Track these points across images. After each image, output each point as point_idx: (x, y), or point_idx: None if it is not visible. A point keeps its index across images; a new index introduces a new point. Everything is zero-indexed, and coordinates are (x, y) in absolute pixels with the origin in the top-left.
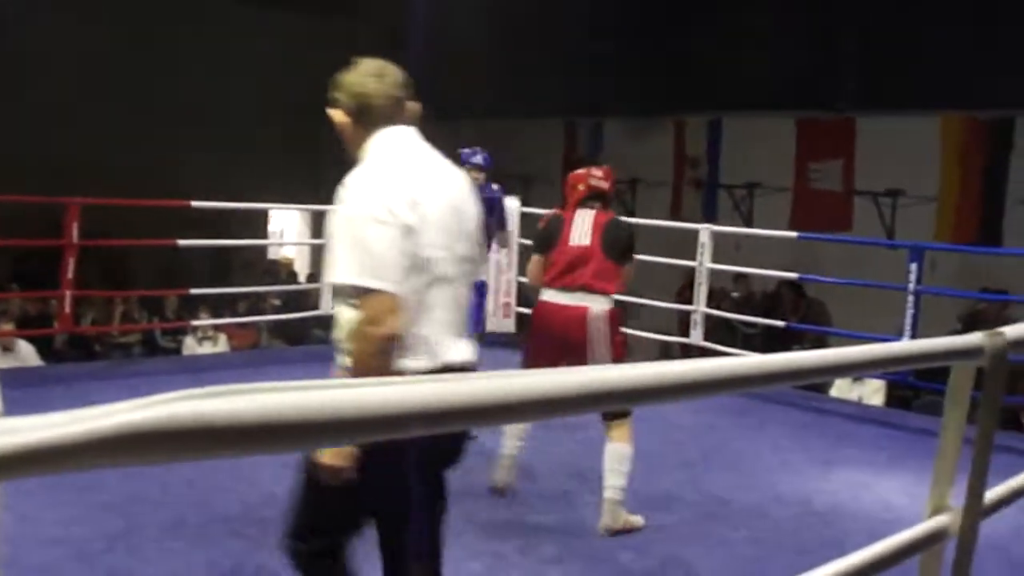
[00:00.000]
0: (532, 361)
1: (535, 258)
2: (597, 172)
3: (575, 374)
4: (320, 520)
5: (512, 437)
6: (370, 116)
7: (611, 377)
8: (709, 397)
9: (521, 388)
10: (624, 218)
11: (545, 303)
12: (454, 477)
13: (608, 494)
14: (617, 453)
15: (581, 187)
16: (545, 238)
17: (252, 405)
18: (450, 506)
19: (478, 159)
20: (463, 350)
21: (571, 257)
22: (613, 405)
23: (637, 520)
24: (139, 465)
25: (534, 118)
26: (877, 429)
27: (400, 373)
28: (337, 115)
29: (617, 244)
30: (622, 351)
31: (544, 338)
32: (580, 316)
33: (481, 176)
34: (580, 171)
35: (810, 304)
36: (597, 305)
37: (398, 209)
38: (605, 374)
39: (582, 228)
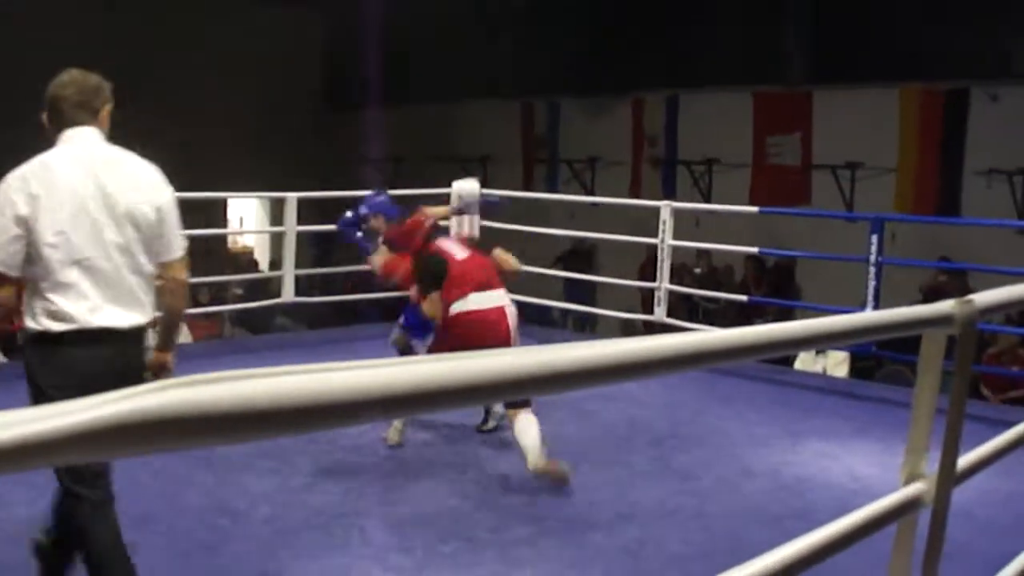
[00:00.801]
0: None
1: (432, 297)
2: (425, 211)
3: (546, 353)
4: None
5: None
6: (58, 118)
7: (581, 356)
8: (679, 373)
9: (482, 370)
10: None
11: (468, 312)
12: (420, 462)
13: (532, 466)
14: (521, 429)
15: (428, 224)
16: (433, 274)
17: (236, 392)
18: (420, 492)
19: (364, 210)
20: (111, 316)
21: (467, 268)
22: (583, 384)
23: (560, 467)
24: (128, 456)
25: (491, 99)
26: (842, 400)
27: (44, 333)
28: (43, 116)
29: (477, 244)
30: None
31: (468, 345)
32: (502, 314)
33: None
34: (407, 221)
35: (778, 272)
36: (507, 300)
37: (16, 202)
38: (573, 353)
39: (454, 248)
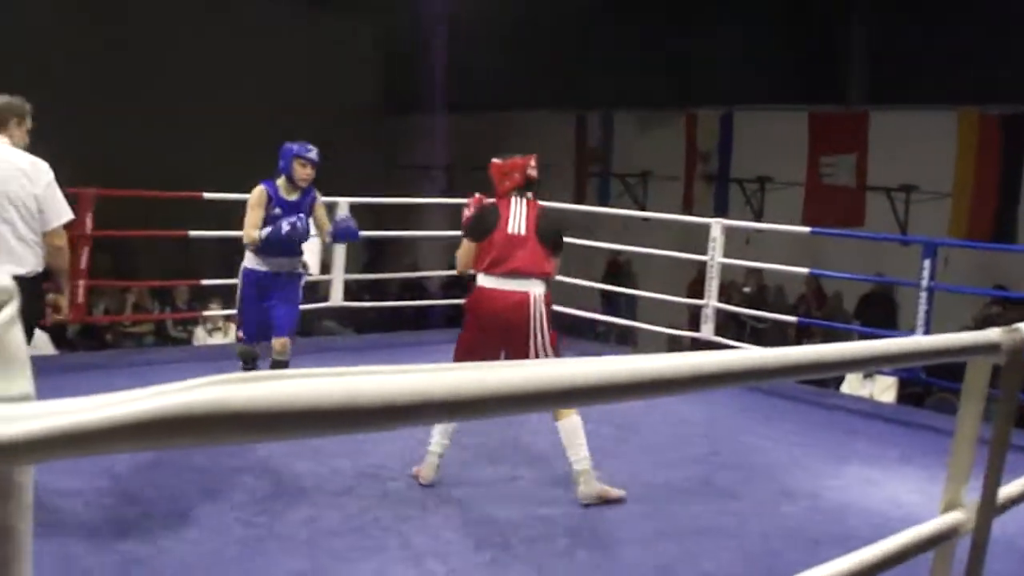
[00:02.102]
0: (468, 348)
1: (466, 244)
2: (533, 162)
3: (598, 364)
4: None
5: (441, 435)
6: None
7: (632, 368)
8: (725, 388)
9: (532, 378)
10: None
11: (484, 289)
12: (461, 470)
13: (576, 466)
14: (569, 427)
15: (518, 175)
16: (480, 225)
17: (275, 392)
18: (459, 500)
19: (312, 155)
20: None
21: (509, 244)
22: (631, 396)
23: (615, 492)
24: (165, 449)
25: (545, 110)
26: (888, 426)
27: None
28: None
29: (549, 234)
30: (555, 336)
31: (484, 324)
32: (523, 300)
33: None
34: (516, 159)
35: (879, 299)
36: (537, 289)
37: None
38: (624, 365)
39: (518, 217)
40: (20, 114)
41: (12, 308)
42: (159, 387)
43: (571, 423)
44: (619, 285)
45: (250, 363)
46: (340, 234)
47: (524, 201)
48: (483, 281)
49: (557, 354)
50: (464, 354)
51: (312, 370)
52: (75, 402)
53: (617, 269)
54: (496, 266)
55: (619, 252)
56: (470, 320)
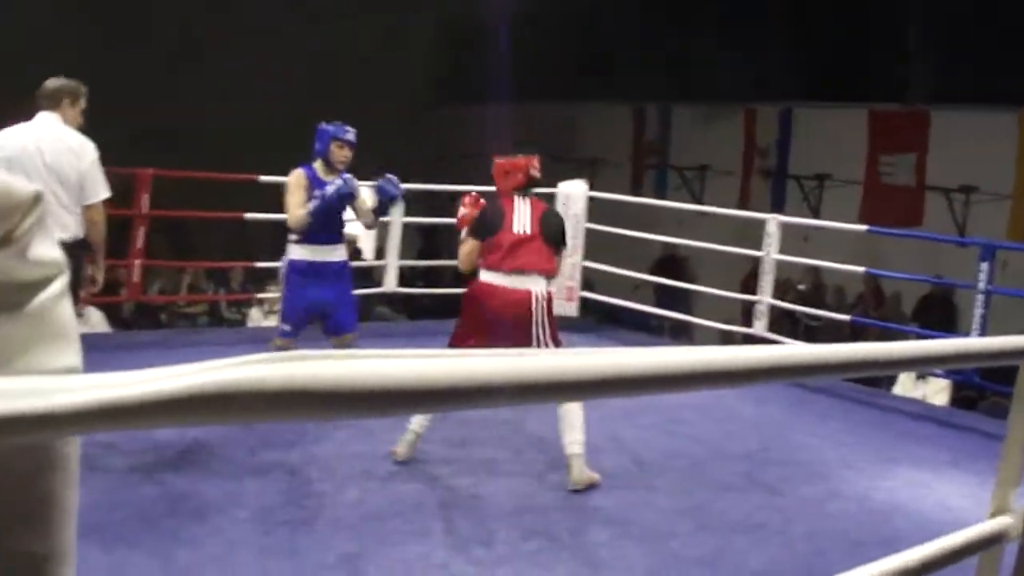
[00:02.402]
0: (463, 342)
1: (471, 243)
2: (536, 162)
3: (652, 355)
4: None
5: (422, 416)
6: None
7: (683, 360)
8: (774, 382)
9: (603, 366)
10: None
11: (488, 285)
12: (509, 459)
13: (569, 450)
14: (570, 411)
15: (520, 175)
16: (485, 224)
17: (323, 371)
18: (506, 488)
19: (350, 136)
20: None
21: (515, 242)
22: (688, 387)
23: (596, 476)
24: (207, 425)
25: (603, 102)
26: (940, 429)
27: None
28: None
29: (553, 232)
30: (556, 331)
31: (485, 319)
32: (525, 297)
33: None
34: (518, 159)
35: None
36: (540, 287)
37: None
38: (681, 357)
39: (523, 216)
40: (74, 95)
41: (62, 282)
42: (203, 363)
43: (573, 406)
44: (676, 279)
45: None
46: (382, 190)
47: (527, 200)
48: (487, 277)
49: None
50: (459, 344)
51: (357, 351)
52: (120, 376)
53: (675, 263)
54: (501, 263)
55: (676, 245)
56: (468, 314)
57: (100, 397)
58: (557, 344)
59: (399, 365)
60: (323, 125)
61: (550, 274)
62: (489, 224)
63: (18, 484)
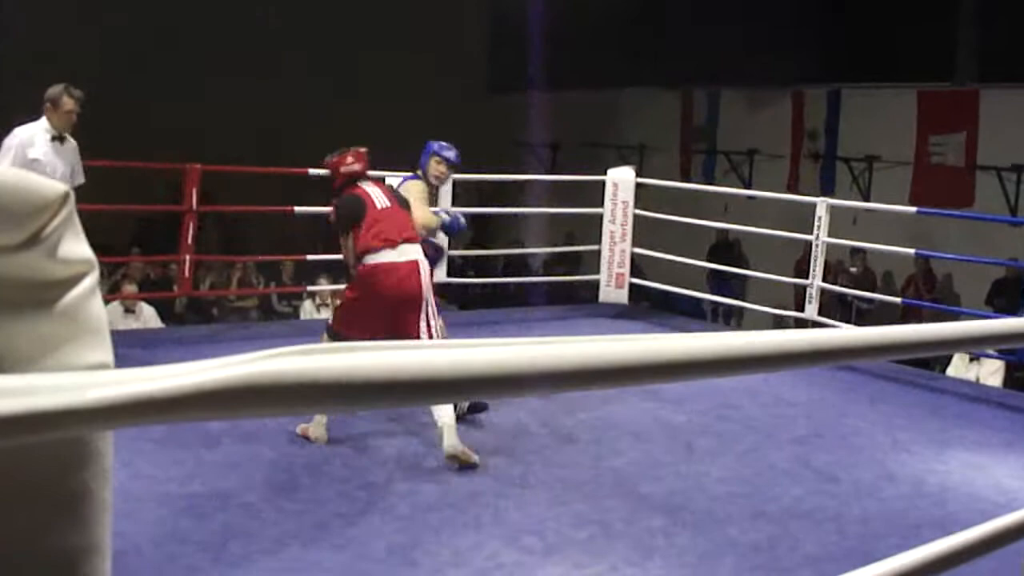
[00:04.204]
0: (361, 323)
1: (348, 240)
2: (348, 159)
3: (691, 340)
4: None
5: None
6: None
7: (732, 344)
8: (814, 367)
9: (635, 353)
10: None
11: (380, 264)
12: (560, 448)
13: (440, 421)
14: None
15: (358, 165)
16: (351, 215)
17: (354, 362)
18: (558, 476)
19: (449, 155)
20: None
21: (384, 218)
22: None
23: (474, 457)
24: (239, 418)
25: (651, 87)
26: (994, 410)
27: None
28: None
29: (403, 200)
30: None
31: (382, 298)
32: (415, 268)
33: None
34: (348, 152)
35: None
36: (421, 255)
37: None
38: (719, 342)
39: (377, 194)
40: (53, 101)
41: (92, 278)
42: (235, 357)
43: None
44: (728, 264)
45: None
46: (449, 227)
47: (370, 183)
48: (376, 258)
49: (439, 319)
50: (357, 326)
51: (381, 343)
52: (151, 370)
53: (727, 248)
54: (385, 240)
55: (727, 231)
56: (362, 297)
57: (131, 391)
58: (439, 310)
59: (434, 355)
60: (430, 141)
61: (419, 240)
62: (354, 212)
63: (52, 479)
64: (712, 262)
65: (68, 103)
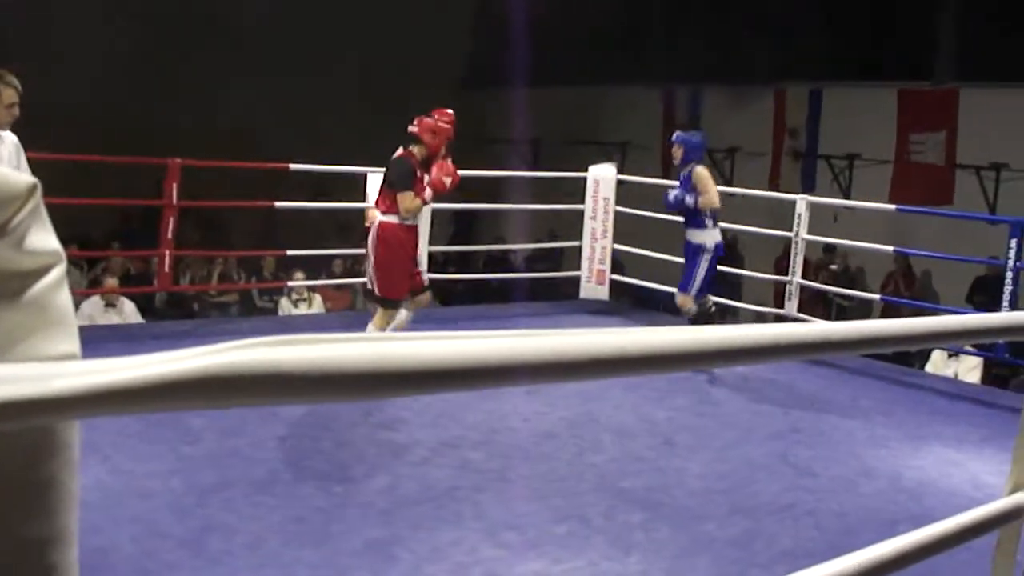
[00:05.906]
0: (402, 277)
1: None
2: (415, 120)
3: (668, 333)
4: None
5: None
6: None
7: (682, 338)
8: (797, 359)
9: (621, 345)
10: (405, 156)
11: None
12: (539, 443)
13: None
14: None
15: (441, 136)
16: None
17: (321, 354)
18: (537, 472)
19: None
20: None
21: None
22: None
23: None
24: (205, 409)
25: (632, 85)
26: (972, 407)
27: None
28: None
29: (387, 175)
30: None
31: (410, 250)
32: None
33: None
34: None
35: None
36: (380, 219)
37: None
38: (679, 336)
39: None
40: None
41: (60, 270)
42: (200, 348)
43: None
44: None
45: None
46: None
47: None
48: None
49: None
50: (400, 289)
51: (349, 336)
52: (117, 361)
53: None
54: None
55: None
56: (402, 256)
57: (97, 382)
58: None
59: (399, 348)
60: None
61: (384, 211)
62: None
63: (19, 469)
64: None
65: (8, 94)
